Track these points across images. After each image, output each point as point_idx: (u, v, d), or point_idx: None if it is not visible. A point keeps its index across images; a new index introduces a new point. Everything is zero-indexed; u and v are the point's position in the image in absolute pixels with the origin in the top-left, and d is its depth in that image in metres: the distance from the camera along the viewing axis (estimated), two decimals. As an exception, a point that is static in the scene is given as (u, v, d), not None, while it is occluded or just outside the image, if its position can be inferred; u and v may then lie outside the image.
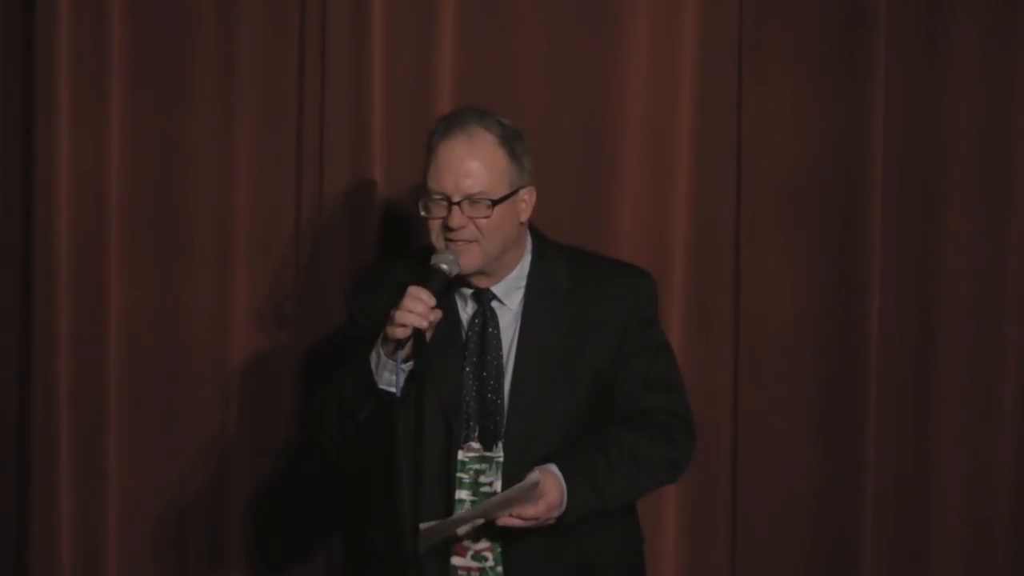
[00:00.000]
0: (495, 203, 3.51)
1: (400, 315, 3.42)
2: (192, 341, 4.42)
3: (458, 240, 3.51)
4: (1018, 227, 4.53)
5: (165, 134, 4.40)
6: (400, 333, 3.42)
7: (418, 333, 3.43)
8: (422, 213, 3.55)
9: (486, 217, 3.51)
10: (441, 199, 3.52)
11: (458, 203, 3.50)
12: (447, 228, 3.51)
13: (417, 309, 3.42)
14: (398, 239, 4.41)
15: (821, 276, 4.51)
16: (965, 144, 4.52)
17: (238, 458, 4.44)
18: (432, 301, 3.44)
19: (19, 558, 4.40)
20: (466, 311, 3.62)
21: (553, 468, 3.49)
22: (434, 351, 3.50)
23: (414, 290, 3.44)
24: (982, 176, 4.53)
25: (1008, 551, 4.56)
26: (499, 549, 3.56)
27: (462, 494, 3.56)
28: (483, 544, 3.57)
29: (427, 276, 3.48)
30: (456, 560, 3.57)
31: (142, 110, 4.39)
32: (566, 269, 3.65)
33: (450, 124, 3.56)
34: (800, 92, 4.50)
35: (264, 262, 4.43)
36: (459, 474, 3.56)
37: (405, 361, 3.45)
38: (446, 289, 3.53)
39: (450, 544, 3.56)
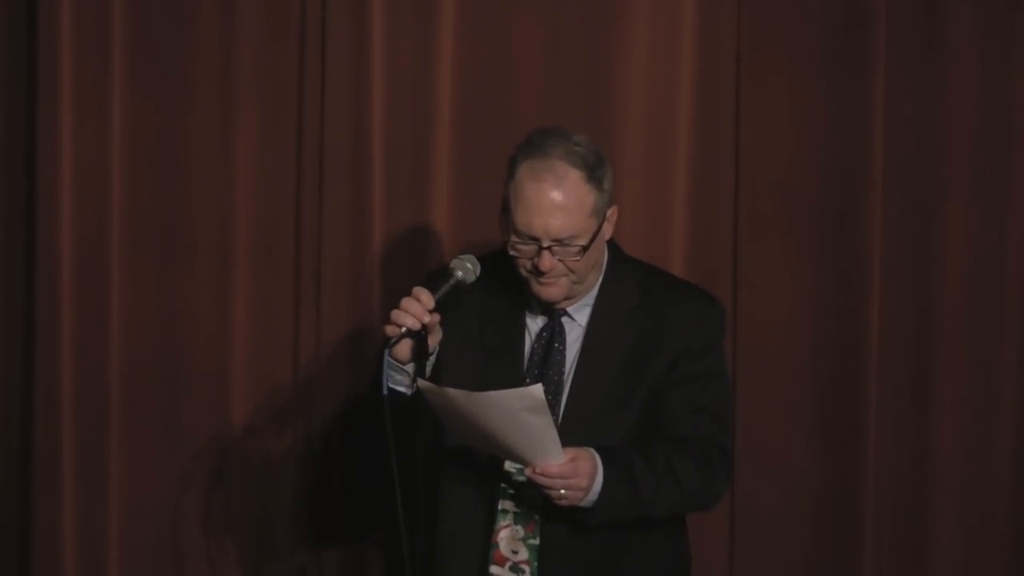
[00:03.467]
0: (586, 248, 3.47)
1: (394, 313, 3.41)
2: (193, 342, 4.41)
3: (548, 278, 3.48)
4: (1016, 225, 4.53)
5: (166, 136, 4.39)
6: (390, 331, 3.41)
7: (419, 334, 3.41)
8: (511, 252, 3.49)
9: (576, 259, 3.47)
10: (531, 242, 3.46)
11: (548, 247, 3.45)
12: (537, 270, 3.47)
13: (412, 310, 3.40)
14: (398, 239, 4.42)
15: (820, 275, 4.51)
16: (964, 143, 4.52)
17: (238, 458, 4.43)
18: (431, 304, 3.42)
19: (22, 559, 4.39)
20: (536, 322, 3.58)
21: (590, 449, 3.43)
22: (495, 360, 3.50)
23: (415, 290, 3.43)
24: (981, 175, 4.53)
25: (1008, 549, 4.57)
26: (536, 564, 3.52)
27: (505, 504, 3.53)
28: (521, 556, 3.53)
29: (440, 278, 3.47)
30: (494, 569, 3.53)
31: (143, 112, 4.37)
32: (636, 287, 3.60)
33: (535, 156, 3.48)
34: (798, 92, 4.50)
35: (264, 262, 4.42)
36: (503, 484, 3.52)
37: (411, 361, 3.44)
38: (457, 293, 3.49)
39: (490, 551, 3.53)
